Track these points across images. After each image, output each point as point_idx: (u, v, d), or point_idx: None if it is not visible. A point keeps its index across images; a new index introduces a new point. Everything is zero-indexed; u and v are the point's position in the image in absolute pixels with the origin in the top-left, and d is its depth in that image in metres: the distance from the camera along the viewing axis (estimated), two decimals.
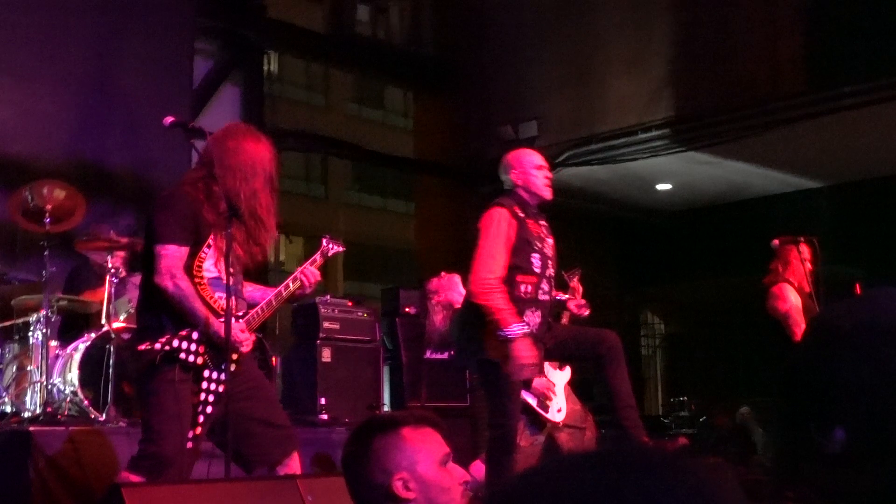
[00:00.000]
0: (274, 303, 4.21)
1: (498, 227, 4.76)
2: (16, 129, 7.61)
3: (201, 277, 3.96)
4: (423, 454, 2.44)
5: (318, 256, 4.39)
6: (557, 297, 5.03)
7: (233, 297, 4.08)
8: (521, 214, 4.85)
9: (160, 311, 3.95)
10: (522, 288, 4.78)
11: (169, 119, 4.14)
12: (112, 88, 8.34)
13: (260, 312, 4.16)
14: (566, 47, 10.28)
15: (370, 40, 11.01)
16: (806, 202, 10.68)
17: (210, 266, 3.98)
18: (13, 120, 7.60)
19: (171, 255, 3.90)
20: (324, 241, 4.47)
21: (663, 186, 10.96)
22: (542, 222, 4.98)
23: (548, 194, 4.95)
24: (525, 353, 4.56)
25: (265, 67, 10.06)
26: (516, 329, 4.57)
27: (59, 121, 7.94)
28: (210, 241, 4.01)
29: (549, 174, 5.00)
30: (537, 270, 4.80)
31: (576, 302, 5.29)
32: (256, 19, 9.71)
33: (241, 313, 4.12)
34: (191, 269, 3.95)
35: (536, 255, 4.81)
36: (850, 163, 10.05)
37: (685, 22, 9.61)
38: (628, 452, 0.96)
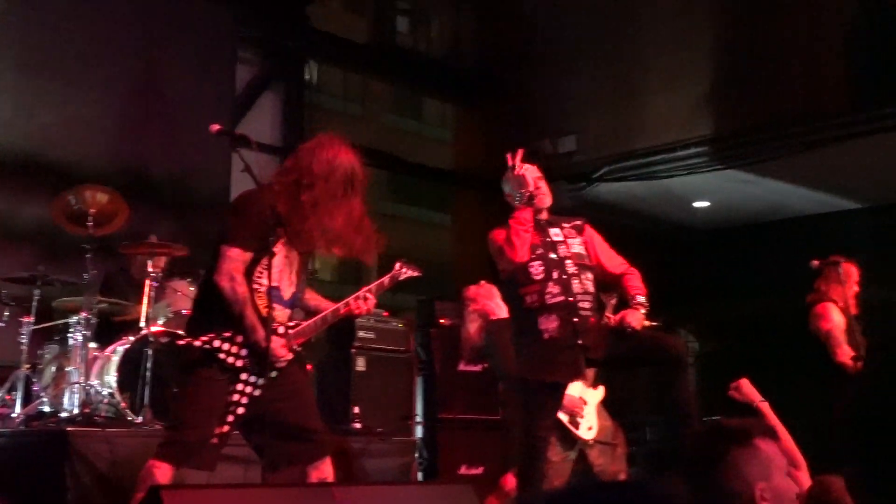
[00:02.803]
0: (329, 318, 4.24)
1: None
2: (59, 134, 7.71)
3: (260, 284, 4.01)
4: (776, 465, 2.60)
5: (386, 280, 4.40)
6: (587, 293, 4.92)
7: (288, 309, 4.14)
8: None
9: (211, 308, 4.02)
10: (528, 299, 4.86)
11: (215, 127, 4.20)
12: (154, 95, 8.43)
13: (311, 327, 4.21)
14: (606, 63, 10.26)
15: (411, 51, 11.04)
16: (845, 223, 10.58)
17: (273, 274, 4.02)
18: (57, 125, 7.70)
19: (234, 258, 3.97)
20: (397, 264, 4.48)
21: (701, 204, 10.91)
22: (560, 227, 5.02)
23: (544, 202, 4.99)
24: None
25: (306, 77, 10.10)
26: None
27: (102, 126, 8.03)
28: (277, 249, 4.05)
29: (541, 183, 5.01)
30: (538, 277, 4.84)
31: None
32: (299, 29, 9.77)
33: (291, 324, 4.16)
34: (251, 274, 4.00)
35: (536, 263, 4.85)
36: (891, 184, 9.95)
37: (726, 39, 9.57)
38: (653, 491, 0.98)
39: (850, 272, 6.39)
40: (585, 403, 5.87)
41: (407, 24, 11.09)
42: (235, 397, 4.02)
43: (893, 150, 8.95)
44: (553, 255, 4.89)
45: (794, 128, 8.91)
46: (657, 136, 9.72)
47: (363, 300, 4.25)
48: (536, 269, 4.84)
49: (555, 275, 4.84)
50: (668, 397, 4.77)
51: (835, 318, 6.26)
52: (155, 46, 8.44)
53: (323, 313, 4.23)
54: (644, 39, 10.01)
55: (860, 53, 8.72)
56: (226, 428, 4.00)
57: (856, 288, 6.37)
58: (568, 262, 4.90)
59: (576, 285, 4.86)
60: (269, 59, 9.67)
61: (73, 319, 6.11)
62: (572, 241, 4.99)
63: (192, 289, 6.46)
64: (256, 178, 4.03)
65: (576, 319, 4.81)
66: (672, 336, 5.14)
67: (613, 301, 6.08)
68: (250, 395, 4.03)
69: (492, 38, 11.38)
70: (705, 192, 10.53)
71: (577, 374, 5.00)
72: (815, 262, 6.25)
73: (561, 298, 4.82)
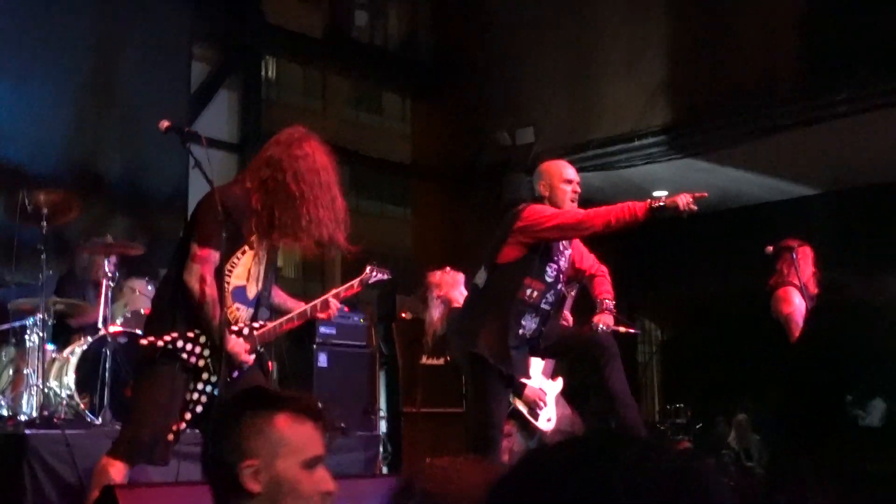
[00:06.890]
0: (296, 320, 4.23)
1: None
2: (11, 132, 7.62)
3: (228, 283, 3.97)
4: (289, 448, 2.18)
5: (356, 283, 4.37)
6: (554, 304, 5.12)
7: (252, 309, 4.12)
8: None
9: (176, 305, 3.97)
10: (527, 292, 4.86)
11: (165, 123, 4.15)
12: (108, 92, 8.35)
13: (276, 328, 4.19)
14: (562, 53, 10.29)
15: (368, 45, 11.01)
16: (800, 210, 10.68)
17: (239, 273, 4.00)
18: (9, 123, 7.60)
19: (207, 258, 3.91)
20: (368, 268, 4.45)
21: (660, 193, 10.97)
22: None
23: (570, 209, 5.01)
24: None
25: (262, 72, 10.04)
26: None
27: (55, 124, 7.94)
28: (246, 248, 4.02)
29: (578, 189, 5.03)
30: (549, 280, 4.90)
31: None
32: (254, 24, 9.71)
33: (257, 325, 4.14)
34: (221, 272, 3.96)
35: (553, 266, 4.92)
36: (845, 170, 10.06)
37: (681, 28, 9.63)
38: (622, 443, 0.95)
39: (806, 254, 6.47)
40: (545, 394, 5.91)
41: (363, 17, 11.04)
42: (195, 396, 4.00)
43: (847, 136, 9.04)
44: (563, 265, 5.03)
45: (748, 115, 8.98)
46: (614, 126, 9.76)
47: (328, 304, 4.23)
48: (551, 272, 4.92)
49: (557, 285, 4.99)
50: (605, 388, 4.91)
51: (796, 302, 6.34)
52: (108, 42, 8.37)
53: (287, 316, 4.23)
54: (598, 30, 10.05)
55: (813, 40, 8.79)
56: (182, 425, 3.98)
57: (812, 268, 6.45)
58: (561, 275, 5.04)
59: (554, 297, 5.03)
60: (225, 55, 9.60)
61: (29, 321, 6.04)
62: (566, 253, 5.10)
63: (151, 287, 6.40)
64: (207, 174, 3.98)
65: (544, 328, 5.00)
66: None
67: (573, 293, 6.14)
68: (210, 395, 4.01)
69: (447, 31, 11.38)
70: (663, 182, 10.58)
71: (526, 374, 5.31)
72: (769, 248, 6.30)
73: (547, 307, 4.98)
